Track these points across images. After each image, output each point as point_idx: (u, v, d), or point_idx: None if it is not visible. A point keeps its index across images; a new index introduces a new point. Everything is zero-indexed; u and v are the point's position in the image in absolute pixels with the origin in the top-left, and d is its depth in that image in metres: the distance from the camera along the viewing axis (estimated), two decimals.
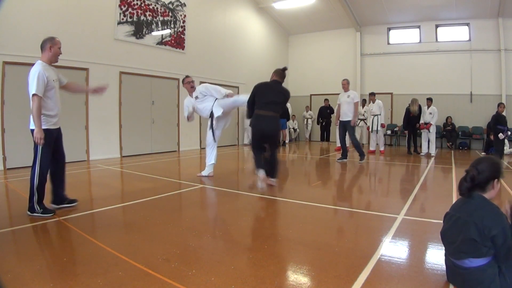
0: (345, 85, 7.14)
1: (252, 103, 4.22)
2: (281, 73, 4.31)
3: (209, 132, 5.23)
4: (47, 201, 3.20)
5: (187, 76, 5.27)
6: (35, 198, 3.07)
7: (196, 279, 1.90)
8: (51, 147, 3.15)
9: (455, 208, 1.82)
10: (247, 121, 10.98)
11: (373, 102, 9.00)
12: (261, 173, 4.13)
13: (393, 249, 2.39)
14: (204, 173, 5.22)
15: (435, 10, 10.59)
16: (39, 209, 3.07)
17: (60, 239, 2.57)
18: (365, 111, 10.37)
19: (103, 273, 1.97)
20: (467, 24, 10.81)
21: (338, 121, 7.24)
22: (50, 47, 3.21)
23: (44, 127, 3.03)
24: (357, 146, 7.05)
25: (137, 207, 3.53)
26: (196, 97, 5.13)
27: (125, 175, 5.66)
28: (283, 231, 2.81)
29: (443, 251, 1.91)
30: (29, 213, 3.08)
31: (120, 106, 7.72)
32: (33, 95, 2.94)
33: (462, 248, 1.68)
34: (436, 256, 2.27)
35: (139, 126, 8.23)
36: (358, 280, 1.88)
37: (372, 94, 9.11)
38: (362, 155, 6.98)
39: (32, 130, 3.02)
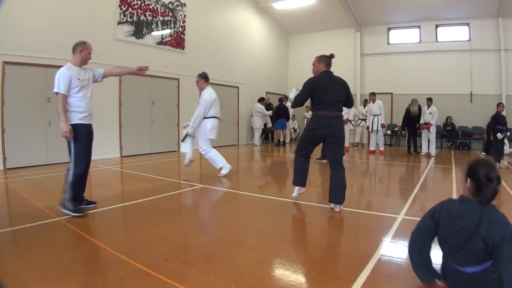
0: None
1: (302, 100, 3.60)
2: (329, 62, 3.62)
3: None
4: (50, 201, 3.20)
5: (198, 74, 5.48)
6: (68, 195, 3.11)
7: (196, 279, 1.90)
8: (85, 143, 3.21)
9: (456, 217, 1.71)
10: (255, 121, 11.12)
11: (373, 102, 8.99)
12: (302, 190, 3.71)
13: (393, 249, 2.39)
14: (223, 172, 5.27)
15: (435, 10, 10.59)
16: (70, 206, 3.11)
17: (60, 239, 2.57)
18: (366, 111, 10.37)
19: (103, 273, 1.97)
20: (467, 24, 10.81)
21: None
22: (80, 51, 3.33)
23: (74, 121, 3.12)
24: None
25: (137, 207, 3.54)
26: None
27: (125, 175, 5.66)
28: (283, 231, 2.81)
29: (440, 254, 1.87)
30: (60, 208, 3.12)
31: (120, 106, 7.71)
32: (55, 93, 3.08)
33: (469, 258, 1.64)
34: (436, 256, 2.27)
35: (139, 126, 8.23)
36: (358, 280, 1.88)
37: (372, 94, 9.10)
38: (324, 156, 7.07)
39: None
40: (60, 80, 3.07)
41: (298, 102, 3.64)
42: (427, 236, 1.84)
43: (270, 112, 11.26)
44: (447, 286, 1.80)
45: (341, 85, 3.53)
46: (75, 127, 3.11)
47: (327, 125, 3.41)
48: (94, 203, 3.47)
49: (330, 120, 3.41)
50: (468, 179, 1.71)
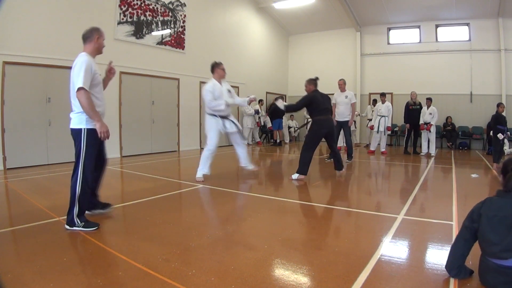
0: (342, 85, 7.16)
1: (298, 108, 5.19)
2: (316, 83, 5.16)
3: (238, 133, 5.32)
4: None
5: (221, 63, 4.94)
6: (76, 210, 2.68)
7: (196, 279, 1.90)
8: (96, 149, 2.82)
9: (495, 209, 1.77)
10: (246, 121, 11.02)
11: (383, 103, 8.95)
12: (302, 177, 5.00)
13: (393, 249, 2.39)
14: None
15: (435, 10, 10.60)
16: (79, 222, 2.70)
17: (60, 239, 2.57)
18: (373, 111, 10.36)
19: (103, 273, 1.97)
20: (467, 24, 10.81)
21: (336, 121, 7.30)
22: (97, 38, 2.83)
23: (89, 126, 2.69)
24: (350, 147, 7.25)
25: (137, 207, 3.54)
26: (229, 91, 4.95)
27: (125, 175, 5.66)
28: (283, 231, 2.81)
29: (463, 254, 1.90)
30: (67, 227, 2.70)
31: (120, 106, 7.72)
32: (79, 88, 2.56)
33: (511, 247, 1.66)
34: (436, 256, 2.27)
35: (139, 126, 8.23)
36: (358, 280, 1.88)
37: (383, 95, 9.06)
38: (351, 157, 7.19)
39: (74, 130, 2.72)
40: (87, 73, 2.62)
41: (295, 108, 5.22)
42: (470, 237, 1.89)
43: (250, 112, 10.96)
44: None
45: (328, 99, 5.24)
46: (90, 132, 2.71)
47: (326, 126, 5.05)
48: (109, 205, 3.19)
49: (326, 121, 5.06)
50: (501, 175, 1.90)
